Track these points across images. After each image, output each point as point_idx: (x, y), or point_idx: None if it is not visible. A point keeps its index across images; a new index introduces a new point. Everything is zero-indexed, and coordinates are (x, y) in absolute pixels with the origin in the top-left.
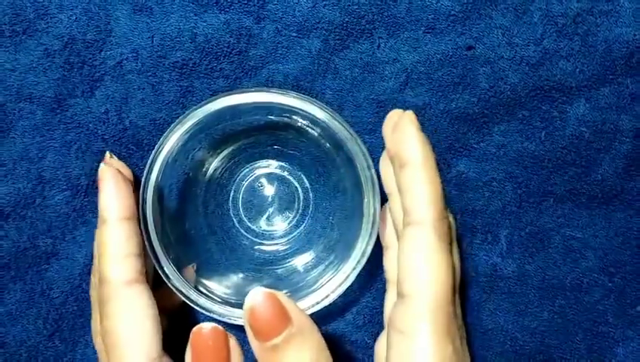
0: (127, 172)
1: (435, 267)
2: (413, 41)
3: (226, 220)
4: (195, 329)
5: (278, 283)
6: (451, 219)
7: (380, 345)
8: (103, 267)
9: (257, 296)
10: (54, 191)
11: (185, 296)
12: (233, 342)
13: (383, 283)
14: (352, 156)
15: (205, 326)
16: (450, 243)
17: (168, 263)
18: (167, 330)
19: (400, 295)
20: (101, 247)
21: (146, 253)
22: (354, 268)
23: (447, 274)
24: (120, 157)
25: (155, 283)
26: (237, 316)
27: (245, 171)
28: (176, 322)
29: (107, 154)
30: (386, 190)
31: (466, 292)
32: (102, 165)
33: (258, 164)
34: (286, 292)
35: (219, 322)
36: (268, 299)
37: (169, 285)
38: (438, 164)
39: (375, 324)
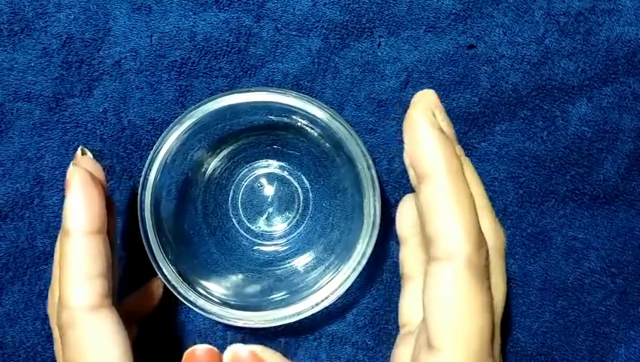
0: (99, 173)
1: (471, 316)
2: (414, 40)
3: (225, 220)
4: (188, 350)
5: (278, 284)
6: (501, 233)
7: (398, 352)
8: (63, 289)
9: (241, 353)
10: (52, 191)
11: (183, 297)
12: None
13: (384, 284)
14: (352, 156)
15: (199, 349)
16: (489, 278)
17: (167, 264)
18: (136, 338)
19: (429, 345)
20: (62, 264)
21: (113, 272)
22: (354, 269)
23: (485, 321)
24: (118, 157)
25: (125, 290)
26: (236, 317)
27: (245, 171)
28: (146, 328)
29: (79, 150)
30: (412, 182)
31: None
32: (71, 166)
33: (258, 164)
34: (285, 293)
35: (217, 324)
36: (250, 357)
37: (168, 286)
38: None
39: (376, 325)
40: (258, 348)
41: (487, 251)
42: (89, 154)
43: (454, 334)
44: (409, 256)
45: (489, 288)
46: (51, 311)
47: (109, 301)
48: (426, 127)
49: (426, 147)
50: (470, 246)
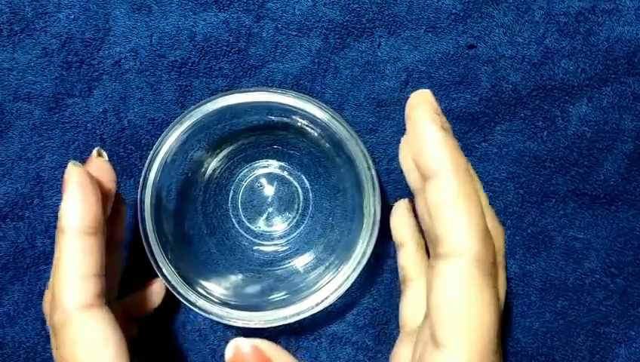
0: (111, 175)
1: (479, 312)
2: (414, 40)
3: (225, 221)
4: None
5: (278, 284)
6: (502, 231)
7: (398, 352)
8: (57, 288)
9: (243, 348)
10: (52, 191)
11: (183, 297)
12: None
13: (384, 284)
14: (352, 156)
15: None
16: (495, 275)
17: (167, 264)
18: (136, 337)
19: (434, 341)
20: (55, 263)
21: (114, 270)
22: (354, 269)
23: (492, 317)
24: (118, 157)
25: (125, 290)
26: (235, 317)
27: (245, 171)
28: (146, 328)
29: (95, 151)
30: (411, 185)
31: None
32: (70, 165)
33: (258, 164)
34: (285, 294)
35: (216, 324)
36: (252, 352)
37: (167, 286)
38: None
39: (376, 326)
40: (259, 342)
41: (494, 248)
42: (104, 155)
43: (461, 330)
44: (408, 259)
45: (495, 285)
46: (45, 304)
47: (102, 300)
48: (430, 127)
49: (431, 147)
50: (478, 242)
